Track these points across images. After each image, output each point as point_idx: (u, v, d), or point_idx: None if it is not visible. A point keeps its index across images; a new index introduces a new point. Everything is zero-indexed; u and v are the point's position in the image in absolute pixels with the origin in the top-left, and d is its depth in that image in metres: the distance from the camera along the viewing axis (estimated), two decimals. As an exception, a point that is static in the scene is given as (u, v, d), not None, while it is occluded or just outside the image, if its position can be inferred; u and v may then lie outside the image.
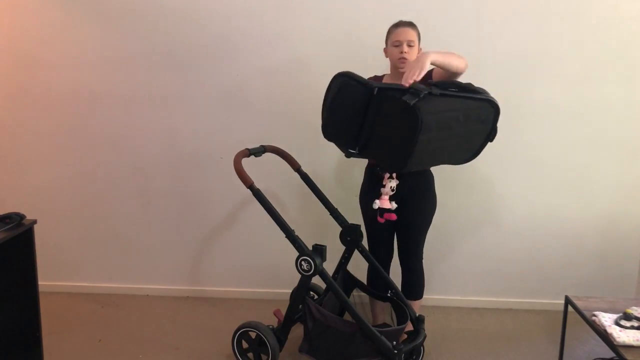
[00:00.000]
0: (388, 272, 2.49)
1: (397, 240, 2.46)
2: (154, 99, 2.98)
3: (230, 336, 2.39)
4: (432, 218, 2.41)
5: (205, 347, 2.61)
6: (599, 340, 2.03)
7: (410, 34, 2.20)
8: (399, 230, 2.41)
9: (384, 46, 2.31)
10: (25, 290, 2.23)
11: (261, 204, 2.18)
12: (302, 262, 2.12)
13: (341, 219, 2.47)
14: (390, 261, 2.52)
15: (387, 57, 2.31)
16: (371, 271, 2.54)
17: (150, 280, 3.21)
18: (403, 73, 2.20)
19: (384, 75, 2.36)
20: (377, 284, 2.47)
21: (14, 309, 2.25)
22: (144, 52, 2.92)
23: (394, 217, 2.26)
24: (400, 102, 1.83)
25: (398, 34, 2.21)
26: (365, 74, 2.36)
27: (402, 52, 2.19)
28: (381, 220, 2.27)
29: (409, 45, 2.19)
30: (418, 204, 2.35)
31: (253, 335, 2.32)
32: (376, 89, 1.94)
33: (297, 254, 2.13)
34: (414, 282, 2.46)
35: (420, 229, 2.40)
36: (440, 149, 2.01)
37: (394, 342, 2.06)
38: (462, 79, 2.20)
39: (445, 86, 2.00)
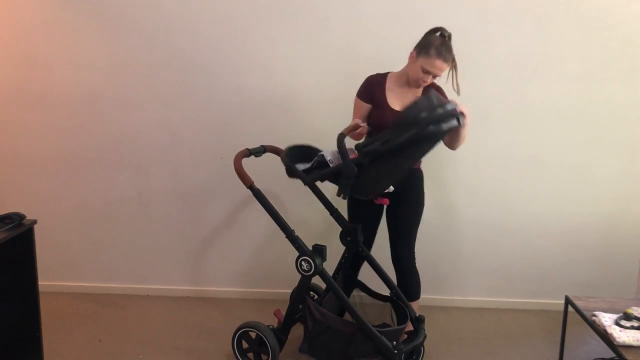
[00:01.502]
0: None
1: (390, 235, 2.46)
2: (154, 99, 2.97)
3: (230, 336, 2.39)
4: (422, 213, 2.44)
5: (205, 347, 2.61)
6: (599, 340, 2.03)
7: (444, 70, 2.15)
8: (391, 225, 2.44)
9: (413, 47, 2.18)
10: (25, 290, 2.23)
11: (261, 204, 2.18)
12: (302, 262, 2.12)
13: (341, 219, 2.47)
14: (370, 247, 2.49)
15: (410, 59, 2.21)
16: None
17: (150, 280, 3.21)
18: (415, 87, 2.25)
19: (388, 72, 2.32)
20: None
21: (14, 309, 2.25)
22: (144, 52, 2.92)
23: (386, 201, 2.31)
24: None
25: (433, 64, 2.10)
26: (366, 72, 2.37)
27: (424, 81, 2.19)
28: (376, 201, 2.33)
29: (434, 77, 2.18)
30: (409, 199, 2.39)
31: (253, 335, 2.32)
32: (305, 180, 2.09)
33: (297, 254, 2.13)
34: (410, 284, 2.46)
35: (411, 223, 2.43)
36: (399, 170, 2.07)
37: (394, 342, 2.06)
38: (462, 80, 2.22)
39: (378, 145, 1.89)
